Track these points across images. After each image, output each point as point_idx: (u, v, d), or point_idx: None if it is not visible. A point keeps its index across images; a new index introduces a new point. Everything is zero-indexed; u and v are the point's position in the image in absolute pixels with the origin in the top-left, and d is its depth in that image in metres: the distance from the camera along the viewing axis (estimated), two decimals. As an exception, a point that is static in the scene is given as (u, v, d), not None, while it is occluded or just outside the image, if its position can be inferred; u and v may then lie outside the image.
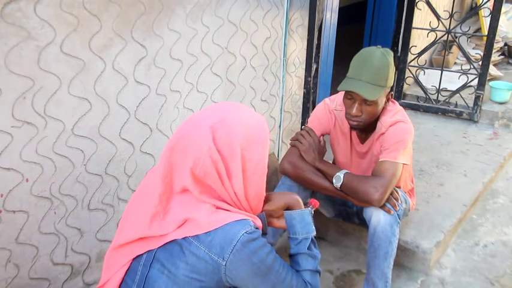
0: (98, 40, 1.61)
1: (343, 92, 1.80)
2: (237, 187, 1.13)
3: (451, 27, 3.49)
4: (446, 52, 3.89)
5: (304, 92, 2.70)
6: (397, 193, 1.83)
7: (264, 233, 1.20)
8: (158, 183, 1.14)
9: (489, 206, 2.70)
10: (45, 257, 1.68)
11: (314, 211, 1.52)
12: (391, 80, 1.77)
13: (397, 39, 3.69)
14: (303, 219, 1.34)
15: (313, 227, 1.35)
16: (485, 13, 4.05)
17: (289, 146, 1.99)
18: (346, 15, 4.32)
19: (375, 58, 1.70)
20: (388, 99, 1.84)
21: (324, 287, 2.07)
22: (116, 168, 1.82)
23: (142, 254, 1.15)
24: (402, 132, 1.80)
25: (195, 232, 1.09)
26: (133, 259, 1.16)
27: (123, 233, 1.19)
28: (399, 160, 1.77)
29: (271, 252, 1.14)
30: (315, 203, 1.52)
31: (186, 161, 1.10)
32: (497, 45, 4.58)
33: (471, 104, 3.57)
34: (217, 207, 1.12)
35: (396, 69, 1.80)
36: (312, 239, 1.32)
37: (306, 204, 1.53)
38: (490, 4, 3.33)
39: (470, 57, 3.71)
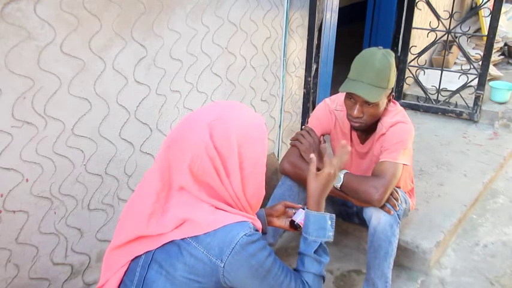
0: (98, 40, 1.61)
1: (344, 92, 1.80)
2: (235, 185, 1.12)
3: (451, 27, 3.49)
4: (446, 52, 3.89)
5: (304, 92, 2.69)
6: (397, 193, 1.83)
7: (263, 232, 1.19)
8: (156, 181, 1.13)
9: (489, 206, 2.70)
10: (45, 257, 1.67)
11: None
12: (392, 81, 1.76)
13: (397, 39, 3.69)
14: (317, 222, 1.33)
15: (330, 234, 1.34)
16: (485, 13, 4.05)
17: (289, 146, 1.99)
18: (346, 15, 4.32)
19: (376, 59, 1.70)
20: (389, 100, 1.84)
21: (324, 287, 2.07)
22: (116, 168, 1.82)
23: (140, 255, 1.14)
24: (402, 133, 1.80)
25: (194, 233, 1.08)
26: (132, 260, 1.16)
27: (122, 233, 1.18)
28: (399, 160, 1.77)
29: (270, 255, 1.14)
30: None
31: (184, 158, 1.10)
32: (497, 45, 4.58)
33: (471, 104, 3.57)
34: (216, 208, 1.11)
35: (396, 70, 1.80)
36: (322, 244, 1.31)
37: (305, 204, 1.53)
38: (490, 4, 3.33)
39: (470, 57, 3.71)
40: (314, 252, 1.29)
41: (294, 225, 1.49)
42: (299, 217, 1.48)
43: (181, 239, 1.09)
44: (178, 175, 1.12)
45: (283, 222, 1.56)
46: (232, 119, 1.13)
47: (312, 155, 1.41)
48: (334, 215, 1.38)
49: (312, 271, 1.27)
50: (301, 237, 1.34)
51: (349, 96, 1.77)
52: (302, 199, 1.92)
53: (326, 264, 1.31)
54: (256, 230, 1.13)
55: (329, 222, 1.35)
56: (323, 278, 1.30)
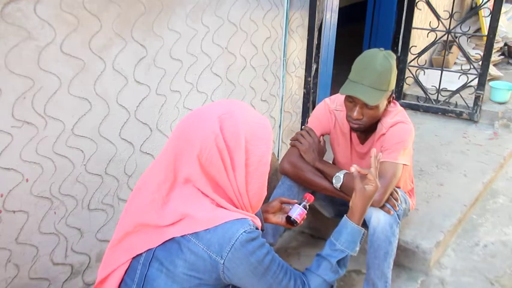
0: (98, 40, 1.61)
1: (344, 94, 1.80)
2: (239, 179, 1.12)
3: (451, 27, 3.49)
4: (446, 52, 3.89)
5: (304, 92, 2.70)
6: (397, 193, 1.83)
7: (261, 230, 1.19)
8: (160, 171, 1.14)
9: (489, 206, 2.70)
10: (45, 257, 1.68)
11: (310, 207, 1.52)
12: (393, 84, 1.76)
13: (397, 39, 3.69)
14: (352, 234, 1.33)
15: (357, 249, 1.34)
16: (485, 13, 4.05)
17: (289, 146, 1.99)
18: (346, 15, 4.32)
19: (378, 62, 1.69)
20: (389, 102, 1.83)
21: (324, 287, 2.07)
22: (116, 168, 1.82)
23: (141, 253, 1.15)
24: (402, 133, 1.79)
25: (194, 229, 1.08)
26: (133, 258, 1.16)
27: (122, 224, 1.19)
28: (399, 161, 1.77)
29: (270, 253, 1.14)
30: (310, 197, 1.52)
31: (193, 148, 1.10)
32: (497, 45, 4.57)
33: (471, 104, 3.57)
34: (218, 205, 1.12)
35: (396, 70, 1.80)
36: (346, 256, 1.31)
37: (301, 199, 1.53)
38: (490, 4, 3.33)
39: (470, 57, 3.71)
40: (336, 262, 1.29)
41: (290, 221, 1.49)
42: (295, 212, 1.48)
43: (182, 236, 1.09)
44: (185, 166, 1.12)
45: (280, 219, 1.56)
46: (241, 115, 1.14)
47: (355, 167, 1.38)
48: (366, 232, 1.38)
49: (324, 277, 1.26)
50: (328, 241, 1.33)
51: (349, 98, 1.76)
52: (301, 199, 1.93)
53: (340, 275, 1.30)
54: (256, 228, 1.13)
55: (361, 237, 1.35)
56: (331, 287, 1.29)
